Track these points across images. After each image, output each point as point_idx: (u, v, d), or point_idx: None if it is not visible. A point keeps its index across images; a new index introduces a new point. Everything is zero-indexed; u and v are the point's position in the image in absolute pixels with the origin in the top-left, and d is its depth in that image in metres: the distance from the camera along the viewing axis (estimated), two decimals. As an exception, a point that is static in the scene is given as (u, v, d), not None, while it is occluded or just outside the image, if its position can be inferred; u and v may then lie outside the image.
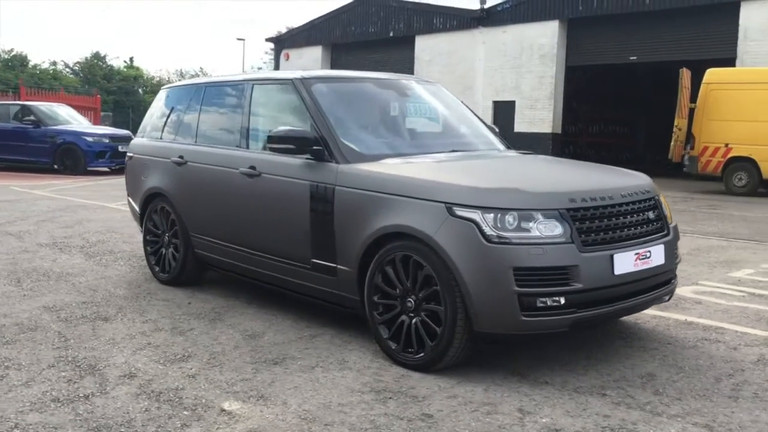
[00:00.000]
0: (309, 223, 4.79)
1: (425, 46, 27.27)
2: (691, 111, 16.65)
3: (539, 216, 3.92)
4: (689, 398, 3.82)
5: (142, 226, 6.61)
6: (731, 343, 4.79)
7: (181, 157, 6.03)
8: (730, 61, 18.81)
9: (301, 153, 4.83)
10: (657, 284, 4.42)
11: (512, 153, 5.45)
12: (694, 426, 3.47)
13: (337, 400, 3.75)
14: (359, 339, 4.77)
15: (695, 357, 4.50)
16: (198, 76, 58.52)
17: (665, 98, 21.28)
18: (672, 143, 16.57)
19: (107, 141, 19.46)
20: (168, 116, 6.56)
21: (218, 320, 5.23)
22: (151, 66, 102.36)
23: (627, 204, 4.28)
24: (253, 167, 5.26)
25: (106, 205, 12.07)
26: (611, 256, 4.03)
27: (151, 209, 6.39)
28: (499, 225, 3.88)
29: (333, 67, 31.43)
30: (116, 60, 63.71)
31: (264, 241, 5.19)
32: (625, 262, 4.10)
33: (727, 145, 16.18)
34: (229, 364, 4.30)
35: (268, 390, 3.89)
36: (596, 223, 4.07)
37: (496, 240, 3.85)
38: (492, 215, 3.89)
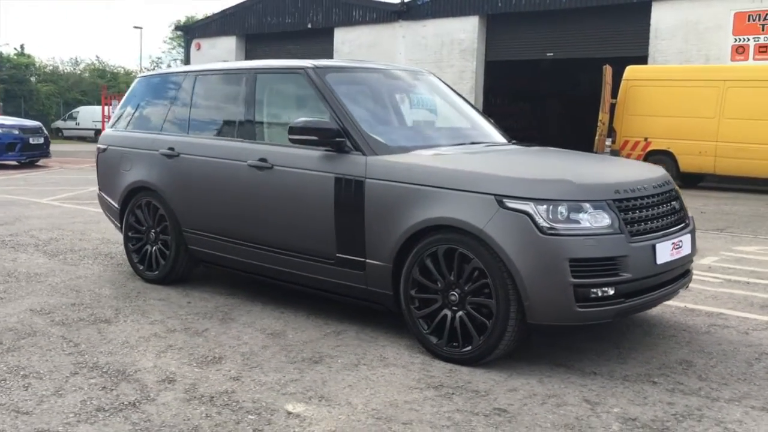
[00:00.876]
0: (333, 217, 4.66)
1: (345, 38, 27.15)
2: (613, 106, 17.31)
3: (589, 207, 3.96)
4: (734, 382, 3.96)
5: (120, 223, 6.26)
6: (740, 327, 5.01)
7: (171, 149, 5.74)
8: (642, 59, 19.65)
9: (322, 145, 4.69)
10: (683, 273, 4.56)
11: (527, 146, 5.47)
12: (753, 409, 3.60)
13: (401, 398, 3.68)
14: (386, 334, 4.69)
15: (716, 342, 4.67)
16: (95, 64, 56.01)
17: (588, 94, 22.02)
18: (596, 137, 17.18)
19: (17, 132, 18.37)
20: (150, 106, 6.24)
21: (229, 319, 5.02)
22: (43, 54, 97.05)
23: (659, 195, 4.39)
24: (263, 159, 5.06)
25: (37, 201, 11.39)
26: (653, 246, 4.12)
27: (134, 204, 6.05)
28: (551, 216, 3.89)
29: (248, 57, 30.80)
30: (6, 47, 60.17)
31: (277, 236, 5.02)
32: (665, 252, 4.21)
33: (646, 138, 16.91)
34: (268, 365, 4.13)
35: (324, 390, 3.77)
36: (638, 214, 4.15)
37: (551, 232, 3.86)
38: (545, 207, 3.90)
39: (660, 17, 19.80)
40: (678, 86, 16.44)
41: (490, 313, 4.04)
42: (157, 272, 5.92)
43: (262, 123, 5.34)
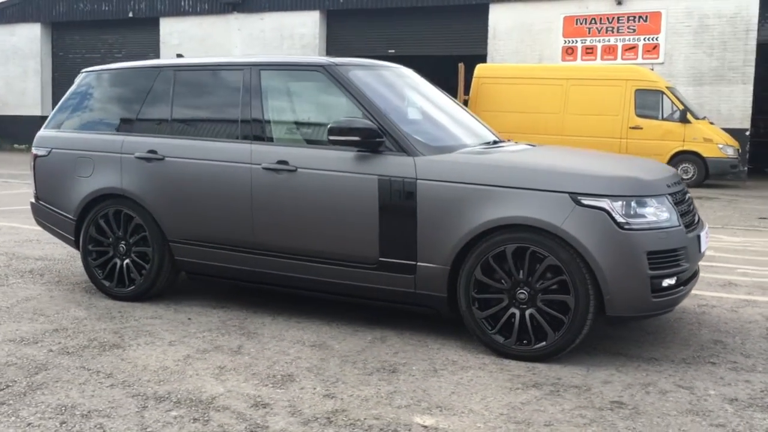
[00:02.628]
0: (377, 220, 4.48)
1: (173, 29, 25.88)
2: (466, 102, 18.05)
3: (654, 201, 4.15)
4: (775, 356, 4.35)
5: (74, 235, 5.56)
6: (725, 306, 5.47)
7: (153, 151, 5.20)
8: (482, 58, 20.65)
9: (364, 146, 4.50)
10: (698, 263, 4.91)
11: (531, 144, 5.53)
12: (813, 379, 3.98)
13: (514, 400, 3.64)
14: (429, 337, 4.62)
15: (720, 321, 5.08)
16: None
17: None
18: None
19: None
20: (111, 105, 5.60)
21: (252, 334, 4.66)
22: None
23: (684, 190, 4.69)
24: (283, 162, 4.75)
25: None
26: (698, 237, 4.40)
27: (98, 214, 5.41)
28: (625, 212, 4.03)
29: (55, 48, 28.39)
30: None
31: (303, 243, 4.73)
32: (704, 242, 4.51)
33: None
34: (348, 379, 3.90)
35: (434, 399, 3.64)
36: (681, 207, 4.41)
37: (627, 227, 4.01)
38: (620, 203, 4.03)
39: (497, 18, 20.91)
40: (526, 84, 17.48)
41: (564, 309, 4.10)
42: (132, 288, 5.34)
43: (273, 123, 5.00)
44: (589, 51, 19.98)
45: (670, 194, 4.29)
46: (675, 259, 4.13)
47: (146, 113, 5.37)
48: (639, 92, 16.37)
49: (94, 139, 5.51)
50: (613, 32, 19.77)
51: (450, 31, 21.82)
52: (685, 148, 16.17)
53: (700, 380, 3.94)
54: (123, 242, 5.36)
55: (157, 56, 25.76)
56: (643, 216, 4.08)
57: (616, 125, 16.54)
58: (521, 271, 4.18)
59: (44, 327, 4.76)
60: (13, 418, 3.39)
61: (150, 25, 26.34)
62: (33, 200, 5.94)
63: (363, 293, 4.68)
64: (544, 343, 4.15)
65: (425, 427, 3.32)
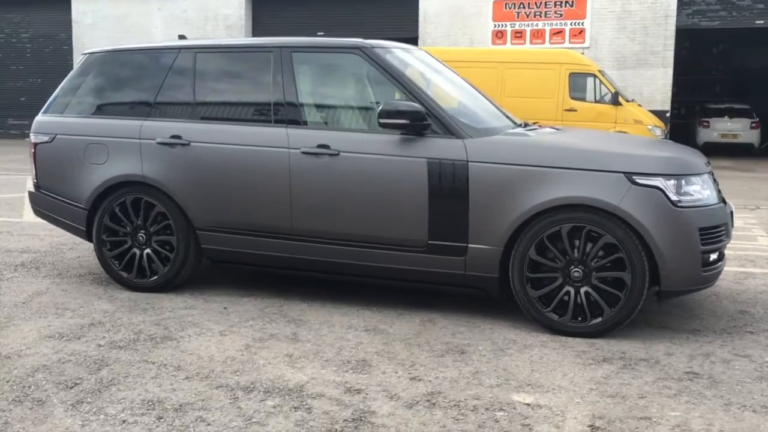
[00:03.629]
0: (427, 203, 4.50)
1: (86, 8, 24.68)
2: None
3: (698, 180, 4.34)
4: (801, 324, 4.66)
5: (86, 226, 5.31)
6: (728, 278, 5.79)
7: (177, 137, 5.01)
8: (413, 41, 20.72)
9: (411, 129, 4.50)
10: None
11: (554, 127, 5.63)
12: None
13: (595, 375, 3.75)
14: (477, 318, 4.68)
15: (735, 292, 5.37)
16: None
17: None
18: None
19: None
20: (123, 88, 5.34)
21: (301, 321, 4.61)
22: None
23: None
24: (324, 146, 4.68)
25: None
26: (731, 212, 4.64)
27: (113, 203, 5.18)
28: (677, 190, 4.21)
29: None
30: None
31: (345, 228, 4.69)
32: (734, 219, 4.76)
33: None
34: (423, 362, 3.92)
35: (519, 377, 3.71)
36: (716, 185, 4.64)
37: (681, 204, 4.19)
38: (673, 182, 4.20)
39: (428, 2, 21.04)
40: (461, 67, 17.49)
41: (620, 286, 4.25)
42: (154, 278, 5.15)
43: (309, 106, 4.91)
44: (518, 35, 20.43)
45: (709, 173, 4.50)
46: (719, 234, 4.34)
47: (165, 97, 5.17)
48: (573, 75, 16.87)
49: (107, 124, 5.25)
50: (541, 17, 20.28)
51: (380, 13, 21.81)
52: (618, 129, 16.80)
53: (751, 348, 4.17)
54: (142, 231, 5.15)
55: (69, 37, 24.63)
56: (690, 194, 4.26)
57: (552, 108, 17.01)
58: (576, 250, 4.30)
59: (77, 321, 4.54)
60: (102, 416, 3.25)
61: (60, 3, 25.04)
62: (32, 189, 5.62)
63: (410, 276, 4.68)
64: (600, 319, 4.28)
65: (528, 404, 3.39)
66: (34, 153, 5.47)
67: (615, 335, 4.33)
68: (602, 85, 16.82)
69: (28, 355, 3.97)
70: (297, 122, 4.82)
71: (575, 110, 16.82)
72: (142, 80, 5.28)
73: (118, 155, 5.14)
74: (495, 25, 20.56)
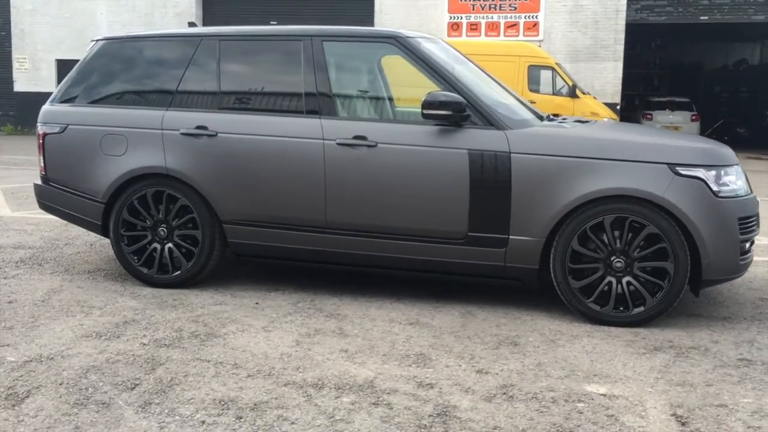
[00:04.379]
0: (468, 194, 4.49)
1: (26, -6, 23.72)
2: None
3: (733, 171, 4.45)
4: (821, 309, 4.84)
5: (103, 220, 5.10)
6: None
7: (203, 127, 4.86)
8: (368, 31, 20.67)
9: (452, 120, 4.48)
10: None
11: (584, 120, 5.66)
12: None
13: (654, 364, 3.81)
14: (515, 310, 4.70)
15: (759, 279, 5.54)
16: None
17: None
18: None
19: None
20: (140, 77, 5.14)
21: (340, 315, 4.54)
22: None
23: (732, 160, 5.06)
24: (361, 137, 4.61)
25: None
26: (758, 202, 4.78)
27: (132, 195, 4.99)
28: (716, 181, 4.31)
29: None
30: None
31: (382, 220, 4.63)
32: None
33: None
34: (482, 354, 3.91)
35: (581, 367, 3.74)
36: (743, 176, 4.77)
37: (721, 195, 4.29)
38: (713, 172, 4.30)
39: (383, -8, 20.99)
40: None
41: (661, 275, 4.32)
42: (177, 274, 4.99)
43: (342, 96, 4.82)
44: (474, 27, 20.57)
45: (738, 164, 4.62)
46: (753, 223, 4.47)
47: (188, 86, 5.00)
48: (531, 68, 17.09)
49: (125, 113, 5.05)
50: (496, 9, 20.46)
51: (336, 3, 21.62)
52: (575, 121, 17.14)
53: (787, 334, 4.32)
54: (164, 225, 4.98)
55: (7, 23, 23.63)
56: (727, 185, 4.37)
57: (511, 100, 17.22)
58: (618, 240, 4.35)
59: (108, 320, 4.36)
60: (177, 418, 3.14)
61: (-3, -12, 24.00)
62: (40, 182, 5.36)
63: (448, 269, 4.67)
64: (642, 308, 4.36)
65: (603, 395, 3.42)
66: (42, 144, 5.22)
67: (655, 324, 4.41)
68: (559, 78, 17.10)
69: (71, 355, 3.80)
70: (330, 113, 4.73)
71: (534, 102, 17.02)
72: (161, 69, 5.10)
73: (138, 146, 4.95)
74: (451, 17, 20.66)
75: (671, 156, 4.32)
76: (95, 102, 5.17)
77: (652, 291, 4.35)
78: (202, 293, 4.94)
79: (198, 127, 4.85)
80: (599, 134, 4.58)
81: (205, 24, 22.77)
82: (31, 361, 3.72)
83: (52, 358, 3.75)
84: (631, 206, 4.30)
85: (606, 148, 4.38)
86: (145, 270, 5.03)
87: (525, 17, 20.33)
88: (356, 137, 4.62)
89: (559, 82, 17.14)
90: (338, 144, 4.64)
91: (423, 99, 4.44)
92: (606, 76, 20.06)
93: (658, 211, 4.27)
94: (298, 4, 22.04)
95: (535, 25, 20.27)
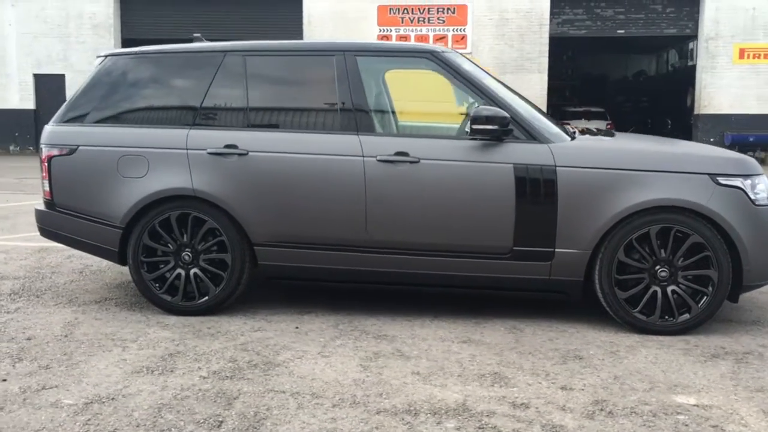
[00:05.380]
0: (514, 209, 4.47)
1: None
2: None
3: (763, 180, 4.62)
4: (835, 309, 5.08)
5: (120, 246, 4.79)
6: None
7: (232, 146, 4.65)
8: (297, 44, 20.49)
9: (498, 135, 4.46)
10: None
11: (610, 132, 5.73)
12: None
13: (724, 371, 3.88)
14: (557, 322, 4.72)
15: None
16: None
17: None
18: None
19: None
20: (156, 95, 4.88)
21: (388, 336, 4.43)
22: None
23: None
24: (403, 153, 4.53)
25: None
26: (775, 209, 4.98)
27: (155, 219, 4.72)
28: (753, 189, 4.46)
29: None
30: None
31: (426, 237, 4.55)
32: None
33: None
34: (554, 370, 3.89)
35: (657, 378, 3.77)
36: (764, 184, 4.96)
37: (758, 203, 4.44)
38: (749, 182, 4.45)
39: (311, 6, 20.88)
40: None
41: (704, 283, 4.43)
42: (204, 300, 4.75)
43: (379, 112, 4.72)
44: (403, 40, 20.73)
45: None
46: (780, 230, 4.64)
47: (212, 103, 4.78)
48: (466, 80, 17.36)
49: (145, 133, 4.77)
50: (424, 22, 20.72)
51: (262, 16, 21.36)
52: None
53: (820, 335, 4.51)
54: (188, 249, 4.73)
55: None
56: (759, 193, 4.53)
57: (447, 111, 17.43)
58: (663, 250, 4.43)
59: (150, 353, 4.09)
60: (286, 457, 2.96)
61: None
62: (43, 208, 4.99)
63: (492, 284, 4.64)
64: (688, 315, 4.45)
65: (696, 405, 3.45)
66: (48, 167, 4.86)
67: (698, 331, 4.51)
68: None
69: (132, 394, 3.53)
70: (368, 129, 4.62)
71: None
72: (181, 85, 4.86)
73: (161, 167, 4.68)
74: (380, 30, 20.76)
75: (711, 167, 4.44)
76: (107, 121, 4.87)
77: (696, 299, 4.45)
78: (233, 319, 4.71)
79: (227, 146, 4.64)
80: (640, 146, 4.67)
81: (122, 35, 22.03)
82: (91, 402, 3.43)
83: (113, 398, 3.48)
84: (676, 216, 4.39)
85: (649, 160, 4.46)
86: (168, 297, 4.76)
87: (453, 30, 20.67)
88: (398, 153, 4.53)
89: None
90: (379, 161, 4.53)
91: (471, 114, 4.40)
92: (533, 88, 20.62)
93: (701, 220, 4.37)
94: (223, 16, 21.65)
95: (463, 37, 20.63)
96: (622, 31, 21.42)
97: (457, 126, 5.12)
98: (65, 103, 5.00)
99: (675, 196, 4.37)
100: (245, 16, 21.41)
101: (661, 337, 4.43)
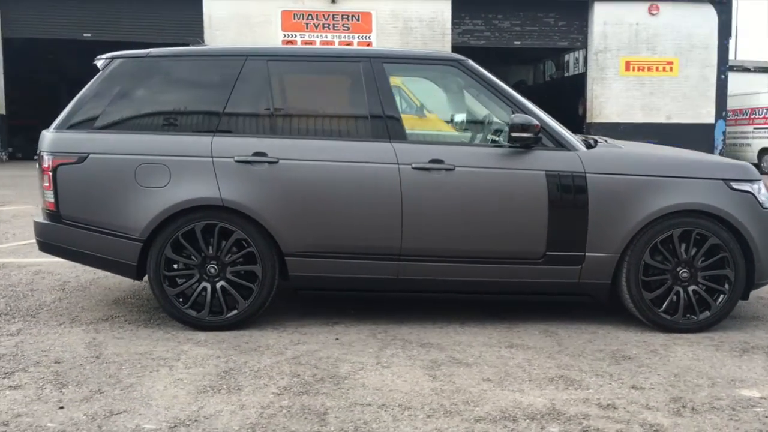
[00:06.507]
0: (547, 215, 4.58)
1: None
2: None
3: (762, 185, 4.98)
4: (813, 303, 5.53)
5: (139, 261, 4.51)
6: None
7: (261, 153, 4.48)
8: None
9: (528, 142, 4.56)
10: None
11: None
12: None
13: (766, 365, 4.15)
14: (585, 324, 4.87)
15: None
16: None
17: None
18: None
19: None
20: (180, 99, 4.63)
21: (432, 344, 4.41)
22: None
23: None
24: (437, 161, 4.53)
25: None
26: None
27: (178, 231, 4.47)
28: (759, 193, 4.80)
29: None
30: None
31: (460, 244, 4.57)
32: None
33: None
34: (612, 372, 4.00)
35: (710, 374, 3.97)
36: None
37: (765, 206, 4.77)
38: (756, 186, 4.78)
39: (212, 8, 20.35)
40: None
41: (721, 282, 4.71)
42: (232, 314, 4.55)
43: (408, 119, 4.68)
44: (308, 45, 20.59)
45: (759, 179, 5.18)
46: (778, 230, 5.01)
47: (235, 109, 4.59)
48: (379, 87, 17.49)
49: (164, 140, 4.51)
50: (329, 29, 20.70)
51: (160, 16, 20.58)
52: (423, 138, 17.78)
53: (821, 327, 4.90)
54: (214, 262, 4.52)
55: None
56: (764, 196, 4.87)
57: (361, 118, 17.48)
58: (684, 252, 4.68)
59: (200, 371, 3.88)
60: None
61: None
62: (45, 221, 4.61)
63: (523, 289, 4.72)
64: (708, 313, 4.71)
65: (764, 398, 3.66)
66: (53, 176, 4.50)
67: (718, 327, 4.78)
68: (407, 97, 17.66)
69: (212, 415, 3.34)
70: (399, 136, 4.60)
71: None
72: (201, 90, 4.64)
73: (184, 176, 4.45)
74: (285, 35, 20.54)
75: (725, 172, 4.73)
76: (118, 127, 4.56)
77: (714, 297, 4.72)
78: (265, 333, 4.54)
79: (256, 154, 4.47)
80: (661, 154, 4.90)
81: (5, 35, 20.63)
82: (175, 426, 3.22)
83: (196, 421, 3.28)
84: (697, 220, 4.65)
85: (672, 167, 4.70)
86: (193, 313, 4.52)
87: (358, 37, 20.77)
88: (432, 161, 4.53)
89: (404, 103, 17.69)
90: (414, 168, 4.51)
91: (511, 122, 4.47)
92: (436, 96, 20.99)
93: (718, 223, 4.65)
94: (115, 15, 20.68)
95: (368, 45, 20.76)
96: (519, 43, 22.26)
97: (470, 134, 5.16)
98: (67, 109, 4.63)
99: (697, 200, 4.62)
100: (139, 15, 20.53)
101: (685, 335, 4.66)
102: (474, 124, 5.09)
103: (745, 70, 27.32)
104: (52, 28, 20.71)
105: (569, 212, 4.59)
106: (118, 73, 4.64)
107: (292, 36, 20.55)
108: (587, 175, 4.59)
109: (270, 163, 4.48)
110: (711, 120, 22.22)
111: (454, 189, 4.54)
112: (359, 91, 4.62)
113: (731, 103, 22.93)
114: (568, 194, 4.57)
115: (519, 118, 4.48)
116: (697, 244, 4.67)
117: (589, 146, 4.79)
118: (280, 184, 4.48)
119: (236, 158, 4.46)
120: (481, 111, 4.98)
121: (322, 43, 20.63)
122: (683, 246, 4.67)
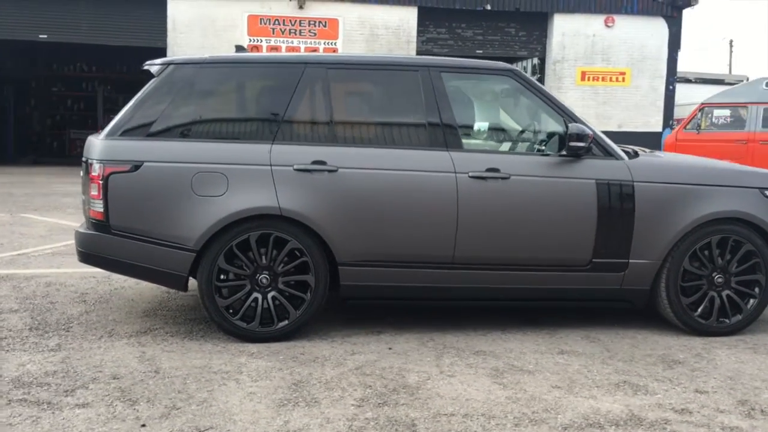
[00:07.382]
0: (595, 222, 4.67)
1: None
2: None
3: (780, 191, 5.17)
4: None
5: (190, 272, 4.43)
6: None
7: (320, 162, 4.45)
8: (161, 51, 19.57)
9: (580, 151, 4.66)
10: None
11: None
12: None
13: (804, 366, 4.33)
14: (621, 329, 4.97)
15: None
16: None
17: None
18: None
19: None
20: (237, 107, 4.64)
21: (485, 352, 4.44)
22: None
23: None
24: (494, 169, 4.58)
25: None
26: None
27: (233, 240, 4.40)
28: (791, 201, 4.99)
29: None
30: None
31: (512, 253, 4.63)
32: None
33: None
34: (671, 377, 4.11)
35: (762, 377, 4.11)
36: None
37: (791, 213, 4.97)
38: (782, 194, 4.99)
39: (177, 11, 19.99)
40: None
41: (751, 286, 4.88)
42: (283, 325, 4.50)
43: (465, 128, 4.73)
44: (275, 50, 20.43)
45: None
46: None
47: (295, 117, 4.56)
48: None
49: (222, 148, 4.44)
50: (296, 34, 20.57)
51: (120, 18, 20.03)
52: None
53: (842, 330, 5.12)
54: (266, 272, 4.47)
55: None
56: (783, 202, 5.06)
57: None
58: (719, 258, 4.83)
59: (270, 384, 3.82)
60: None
61: None
62: (91, 231, 4.48)
63: (569, 295, 4.80)
64: (740, 316, 4.87)
65: (814, 399, 3.82)
66: (104, 185, 4.37)
67: (747, 330, 4.95)
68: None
69: (301, 429, 3.30)
70: (456, 145, 4.63)
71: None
72: (259, 98, 4.64)
73: (242, 185, 4.38)
74: (251, 40, 20.32)
75: (759, 181, 4.91)
76: (173, 134, 4.46)
77: (745, 301, 4.88)
78: (315, 343, 4.51)
79: (315, 162, 4.44)
80: (700, 163, 5.07)
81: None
82: (275, 443, 3.18)
83: (294, 436, 3.24)
84: (733, 227, 4.80)
85: (712, 176, 4.85)
86: (243, 324, 4.45)
87: (324, 43, 20.71)
88: (489, 170, 4.57)
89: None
90: (471, 177, 4.55)
91: (569, 132, 4.55)
92: (401, 102, 21.07)
93: (752, 230, 4.82)
94: (72, 17, 20.11)
95: (335, 51, 20.71)
96: (481, 51, 22.50)
97: (522, 143, 5.21)
98: (118, 116, 4.52)
99: (735, 208, 4.78)
100: (98, 17, 19.97)
101: (719, 339, 4.81)
102: (524, 133, 5.16)
103: (687, 81, 28.32)
104: (6, 26, 20.00)
105: (617, 220, 4.69)
106: (173, 79, 4.54)
107: (258, 41, 20.36)
108: (635, 183, 4.70)
109: (329, 171, 4.45)
110: (659, 128, 22.88)
111: (509, 198, 4.60)
112: (417, 99, 4.64)
113: (675, 113, 23.68)
114: (617, 202, 4.67)
115: (575, 127, 4.56)
116: (732, 251, 4.82)
117: (630, 156, 4.90)
118: (340, 192, 4.45)
119: (296, 167, 4.42)
120: (530, 120, 5.05)
121: (288, 48, 20.50)
122: (719, 252, 4.81)
